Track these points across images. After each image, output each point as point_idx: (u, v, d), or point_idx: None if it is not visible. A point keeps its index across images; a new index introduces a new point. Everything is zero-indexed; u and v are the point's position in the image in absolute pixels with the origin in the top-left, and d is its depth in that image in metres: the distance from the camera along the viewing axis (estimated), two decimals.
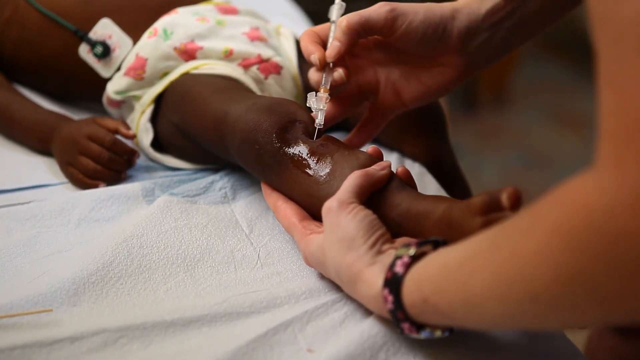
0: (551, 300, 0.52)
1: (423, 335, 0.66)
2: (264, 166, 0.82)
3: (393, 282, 0.65)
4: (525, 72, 2.72)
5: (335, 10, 0.87)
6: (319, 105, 0.83)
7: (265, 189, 0.84)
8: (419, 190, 0.79)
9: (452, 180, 1.04)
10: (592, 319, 0.56)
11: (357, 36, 0.83)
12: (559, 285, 0.51)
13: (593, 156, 0.51)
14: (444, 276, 0.61)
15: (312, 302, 0.75)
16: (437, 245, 0.67)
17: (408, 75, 0.87)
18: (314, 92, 0.84)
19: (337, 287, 0.77)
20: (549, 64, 2.80)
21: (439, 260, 0.63)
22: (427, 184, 0.99)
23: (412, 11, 0.82)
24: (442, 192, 0.99)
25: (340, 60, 0.84)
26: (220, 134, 0.86)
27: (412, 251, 0.66)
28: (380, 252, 0.70)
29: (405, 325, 0.66)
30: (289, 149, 0.80)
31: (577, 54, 2.65)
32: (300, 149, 0.80)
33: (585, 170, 0.51)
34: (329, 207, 0.73)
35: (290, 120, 0.82)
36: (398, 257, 0.66)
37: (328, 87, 0.83)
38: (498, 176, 2.36)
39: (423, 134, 1.02)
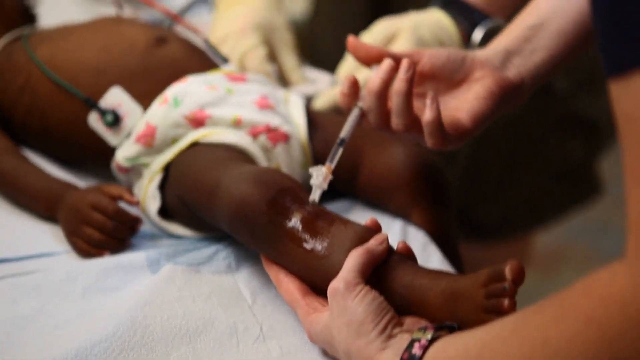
0: None
1: None
2: (259, 241, 0.82)
3: None
4: None
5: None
6: (317, 181, 0.83)
7: (265, 261, 0.84)
8: (422, 259, 0.80)
9: (452, 253, 1.04)
10: None
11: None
12: None
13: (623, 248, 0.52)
14: (464, 359, 0.62)
15: None
16: (452, 330, 0.68)
17: (451, 99, 0.90)
18: (321, 166, 0.84)
19: None
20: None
21: (458, 343, 0.64)
22: (431, 254, 0.99)
23: None
24: (444, 262, 0.99)
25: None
26: (212, 208, 0.86)
27: (429, 335, 0.67)
28: (391, 337, 0.70)
29: None
30: (283, 223, 0.80)
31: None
32: (295, 222, 0.80)
33: (616, 262, 0.52)
34: (336, 288, 0.73)
35: (278, 190, 0.82)
36: (415, 340, 0.67)
37: (333, 167, 0.84)
38: None
39: (430, 205, 1.02)
